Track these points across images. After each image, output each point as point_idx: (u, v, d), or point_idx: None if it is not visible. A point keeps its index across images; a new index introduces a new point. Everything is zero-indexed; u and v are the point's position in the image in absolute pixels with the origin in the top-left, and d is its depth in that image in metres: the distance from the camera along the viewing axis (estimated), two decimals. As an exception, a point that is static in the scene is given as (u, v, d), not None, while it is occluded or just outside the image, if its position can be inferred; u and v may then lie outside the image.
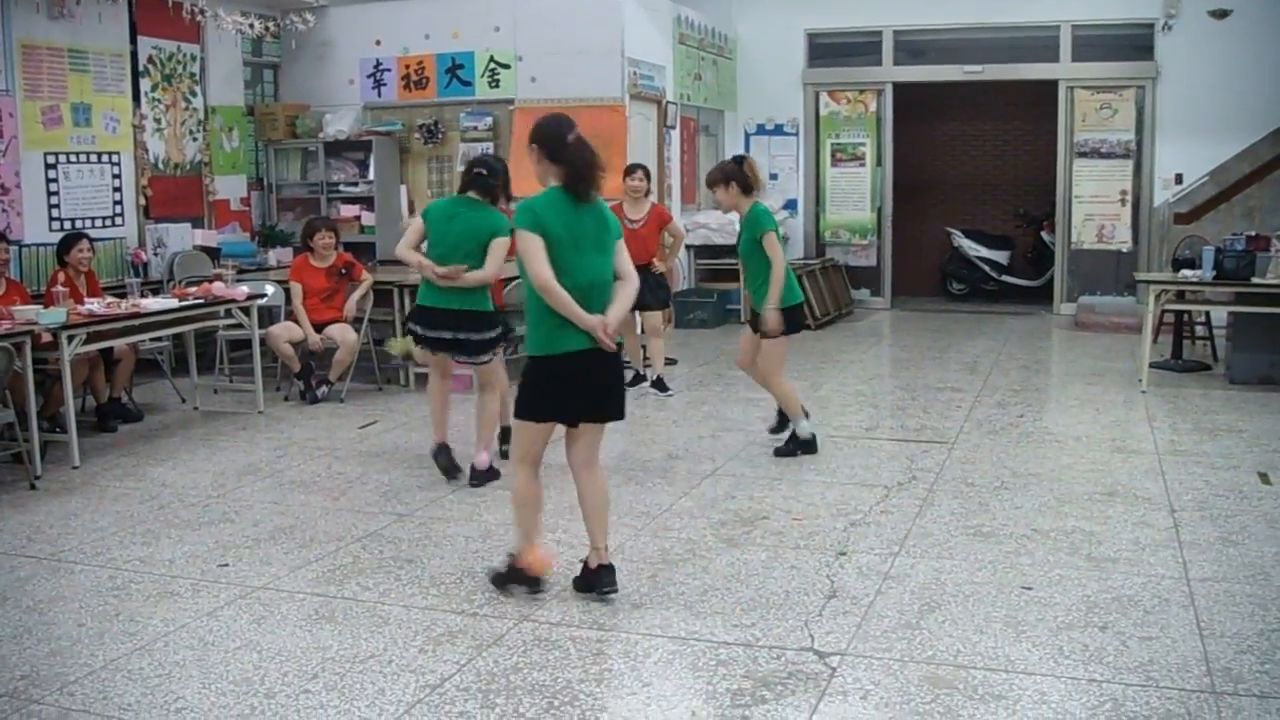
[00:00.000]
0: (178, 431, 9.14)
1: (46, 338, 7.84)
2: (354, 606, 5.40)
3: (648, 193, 10.08)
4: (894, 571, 5.69)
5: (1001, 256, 16.62)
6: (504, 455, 7.48)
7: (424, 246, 7.23)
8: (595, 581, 5.37)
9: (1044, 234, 16.01)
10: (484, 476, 7.38)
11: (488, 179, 7.22)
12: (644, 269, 9.94)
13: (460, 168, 12.86)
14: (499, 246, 7.08)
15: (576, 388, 5.29)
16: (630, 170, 10.27)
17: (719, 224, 14.24)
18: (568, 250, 5.19)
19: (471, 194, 7.22)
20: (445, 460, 7.53)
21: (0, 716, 4.40)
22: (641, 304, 10.08)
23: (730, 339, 13.19)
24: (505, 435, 7.56)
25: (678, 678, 4.59)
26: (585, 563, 5.46)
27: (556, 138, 5.31)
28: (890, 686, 4.43)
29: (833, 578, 5.62)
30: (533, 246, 5.15)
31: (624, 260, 5.43)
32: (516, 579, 5.49)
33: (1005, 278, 16.55)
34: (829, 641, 4.86)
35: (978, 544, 6.08)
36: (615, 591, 5.35)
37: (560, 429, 5.42)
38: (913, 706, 4.27)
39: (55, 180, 10.49)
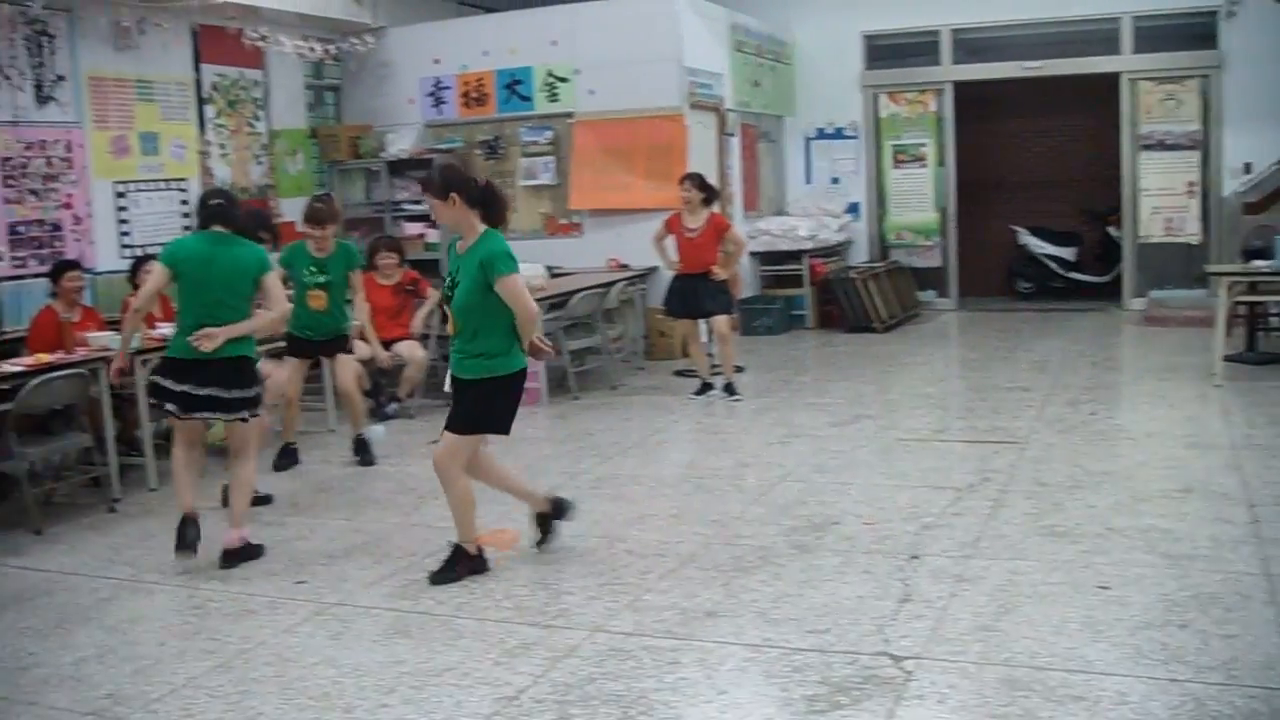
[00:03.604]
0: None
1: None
2: (429, 621, 5.45)
3: (705, 201, 10.08)
4: (968, 574, 5.65)
5: (1068, 253, 16.43)
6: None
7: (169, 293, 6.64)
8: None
9: (1110, 229, 15.82)
10: (240, 556, 6.46)
11: (229, 209, 6.47)
12: (702, 276, 10.00)
13: (522, 182, 12.98)
14: (275, 282, 6.46)
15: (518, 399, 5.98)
16: (679, 181, 10.30)
17: (782, 230, 14.23)
18: None
19: (217, 228, 6.39)
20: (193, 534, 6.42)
21: (87, 736, 4.50)
22: (705, 311, 10.13)
23: (797, 345, 13.20)
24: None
25: (753, 685, 4.59)
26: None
27: (473, 182, 5.79)
28: (967, 689, 4.41)
29: (906, 581, 5.60)
30: (522, 284, 5.72)
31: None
32: (469, 569, 5.96)
33: (1072, 274, 16.37)
34: (904, 645, 4.84)
35: (1052, 544, 6.03)
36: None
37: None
38: (990, 709, 4.24)
39: (125, 208, 10.67)
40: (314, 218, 8.17)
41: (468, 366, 5.79)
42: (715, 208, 10.33)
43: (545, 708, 4.47)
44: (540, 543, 6.34)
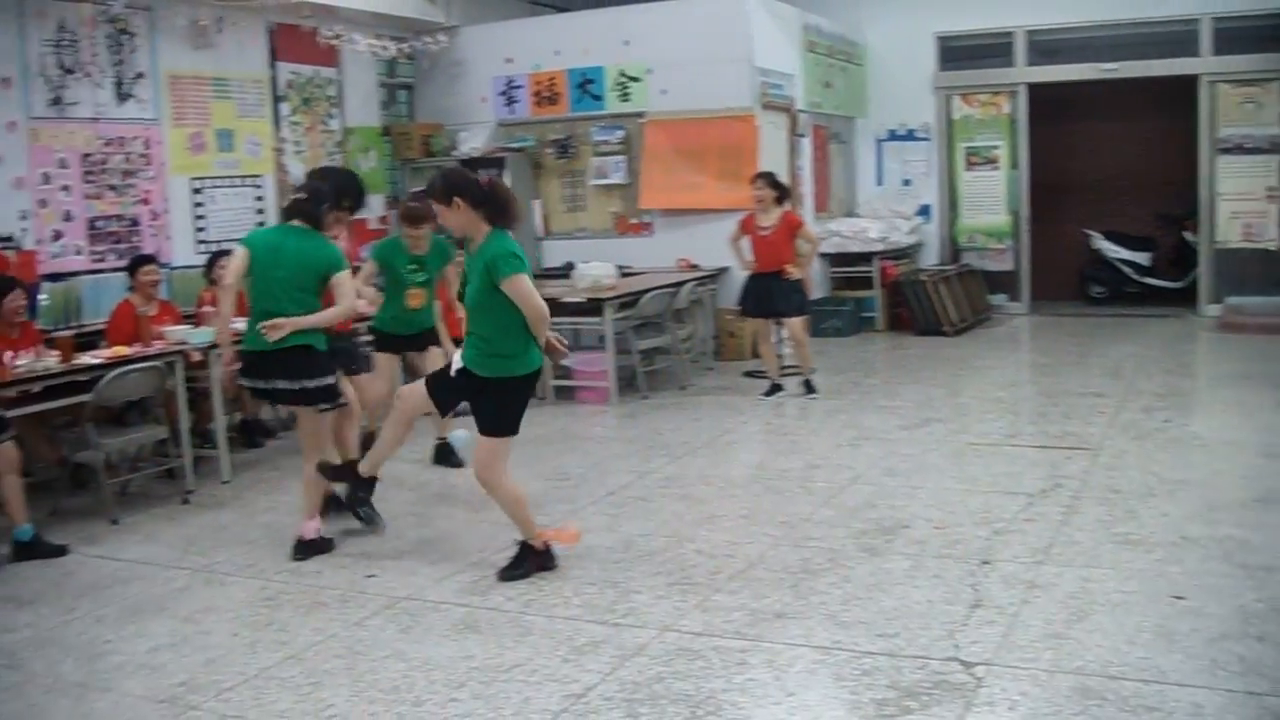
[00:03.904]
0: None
1: (197, 357, 8.08)
2: (498, 617, 5.48)
3: (777, 200, 10.06)
4: (1039, 580, 5.60)
5: (1142, 258, 16.21)
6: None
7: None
8: None
9: (1186, 234, 15.57)
10: (313, 548, 6.56)
11: (310, 205, 6.50)
12: (776, 275, 9.98)
13: (593, 181, 13.02)
14: (345, 279, 6.43)
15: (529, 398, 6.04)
16: (751, 180, 10.29)
17: (853, 231, 14.16)
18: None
19: (296, 222, 6.49)
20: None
21: (161, 723, 4.57)
22: (778, 310, 10.11)
23: (866, 347, 13.13)
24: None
25: (822, 688, 4.57)
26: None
27: (475, 184, 5.82)
28: (1039, 697, 4.36)
29: (977, 587, 5.56)
30: (528, 283, 5.75)
31: None
32: (538, 565, 6.01)
33: (1147, 280, 16.14)
34: (974, 651, 4.81)
35: (1126, 552, 5.96)
36: None
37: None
38: (1062, 718, 4.20)
39: (201, 204, 10.81)
40: (411, 216, 8.03)
41: (488, 365, 5.79)
42: (787, 206, 10.30)
43: (613, 705, 4.48)
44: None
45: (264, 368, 6.38)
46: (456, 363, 5.93)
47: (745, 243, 10.24)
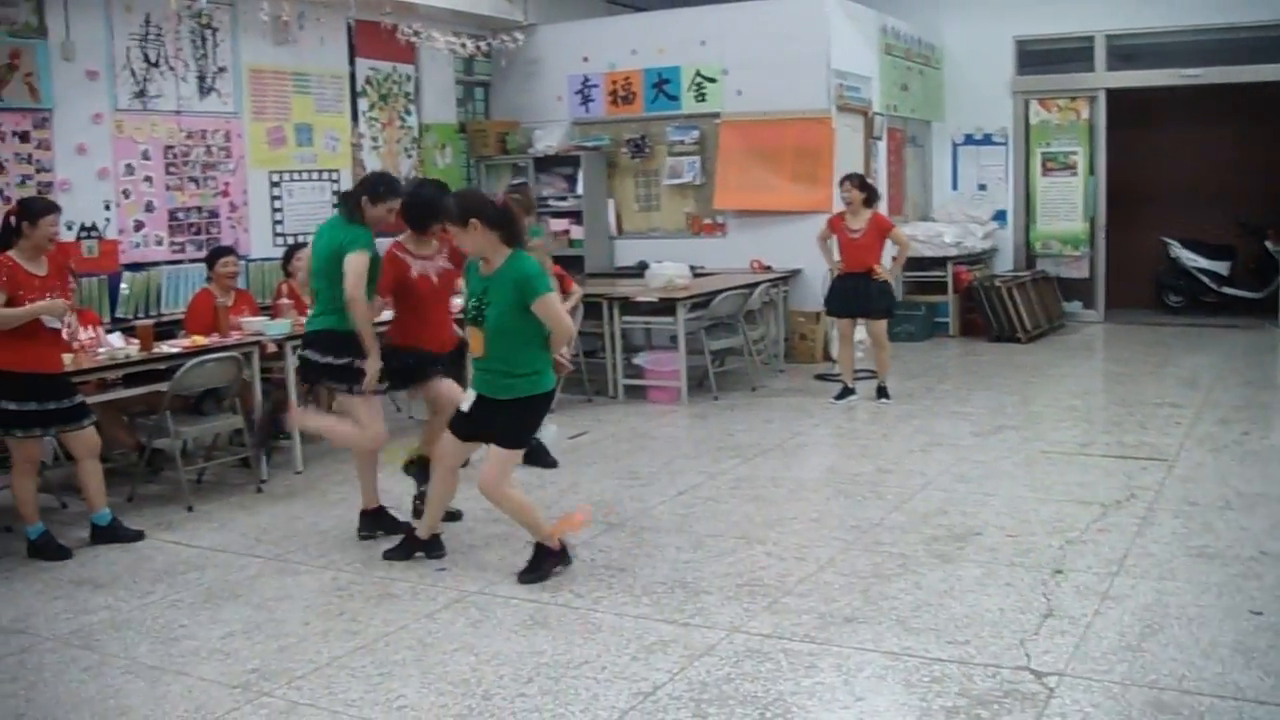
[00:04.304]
0: (394, 439, 9.36)
1: (272, 348, 8.18)
2: (567, 613, 5.50)
3: (866, 201, 10.02)
4: (1113, 591, 5.54)
5: (1222, 267, 15.95)
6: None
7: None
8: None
9: (1268, 243, 15.32)
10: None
11: (345, 197, 6.88)
12: (864, 276, 9.94)
13: (667, 181, 13.03)
14: (349, 262, 6.43)
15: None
16: (840, 182, 10.25)
17: (927, 236, 14.06)
18: None
19: (337, 213, 6.84)
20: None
21: (234, 707, 4.62)
22: (864, 311, 10.08)
23: (939, 352, 13.05)
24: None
25: (891, 694, 4.55)
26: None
27: (491, 205, 5.88)
28: (1111, 710, 4.31)
29: (1049, 596, 5.50)
30: (558, 302, 5.89)
31: None
32: (555, 561, 6.02)
33: (1226, 289, 15.89)
34: (1046, 661, 4.76)
35: (1202, 565, 5.87)
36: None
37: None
38: (1136, 731, 4.16)
39: (279, 197, 10.93)
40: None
41: (503, 387, 5.78)
42: (876, 208, 10.24)
43: (681, 705, 4.48)
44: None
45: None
46: (469, 399, 5.94)
47: (833, 242, 10.20)
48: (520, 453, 6.02)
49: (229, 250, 9.12)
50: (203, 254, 9.45)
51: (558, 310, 5.79)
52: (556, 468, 8.10)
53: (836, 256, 10.20)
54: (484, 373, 5.84)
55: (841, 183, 10.22)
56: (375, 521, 6.82)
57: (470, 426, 5.95)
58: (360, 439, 6.67)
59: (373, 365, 6.46)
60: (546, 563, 6.00)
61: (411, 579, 6.05)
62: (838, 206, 10.45)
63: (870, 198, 10.09)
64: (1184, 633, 5.01)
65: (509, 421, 5.86)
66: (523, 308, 5.67)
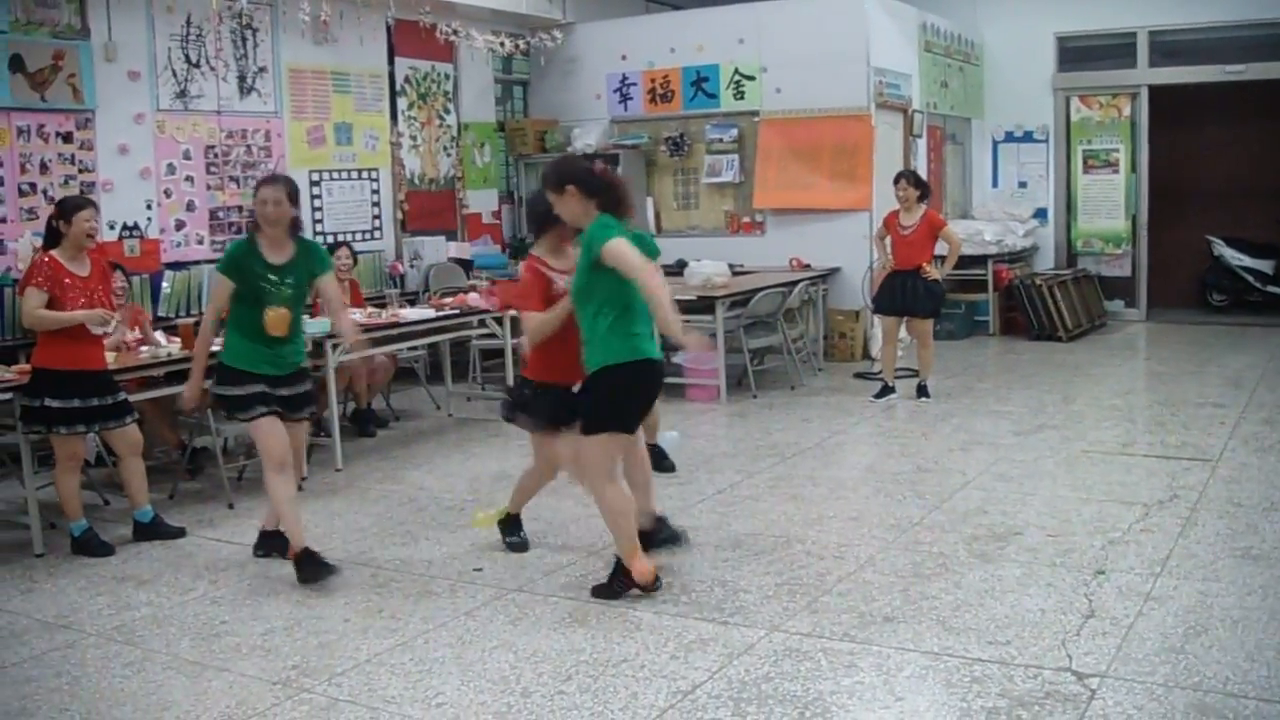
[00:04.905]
0: (433, 437, 9.46)
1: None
2: (606, 611, 5.50)
3: (920, 198, 9.96)
4: (1156, 592, 5.49)
5: (1266, 266, 15.78)
6: None
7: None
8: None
9: (1314, 242, 15.20)
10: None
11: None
12: (914, 274, 9.88)
13: (706, 179, 13.02)
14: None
15: (646, 395, 5.70)
16: (894, 180, 10.20)
17: (967, 234, 13.98)
18: None
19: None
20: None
21: (274, 703, 4.65)
22: (912, 309, 10.02)
23: (979, 350, 12.98)
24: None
25: (931, 694, 4.53)
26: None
27: (588, 172, 5.58)
28: (1154, 712, 4.27)
29: (1091, 597, 5.46)
30: (628, 245, 5.31)
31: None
32: (632, 584, 5.66)
33: (1270, 288, 15.72)
34: (1087, 663, 4.73)
35: (1247, 567, 5.81)
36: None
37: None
38: (1180, 733, 4.12)
39: (319, 196, 10.98)
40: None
41: (589, 357, 5.52)
42: (928, 205, 10.18)
43: (721, 704, 4.47)
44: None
45: None
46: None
47: (889, 241, 10.16)
48: (611, 440, 5.56)
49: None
50: (243, 253, 9.49)
51: (623, 251, 5.25)
52: (674, 471, 7.98)
53: (890, 255, 10.15)
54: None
55: (896, 180, 10.14)
56: (271, 542, 6.56)
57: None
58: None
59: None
60: (622, 581, 5.68)
61: (451, 576, 6.07)
62: (877, 205, 10.41)
63: (924, 194, 10.04)
64: (1228, 635, 4.96)
65: (586, 398, 5.61)
66: (592, 265, 5.34)
